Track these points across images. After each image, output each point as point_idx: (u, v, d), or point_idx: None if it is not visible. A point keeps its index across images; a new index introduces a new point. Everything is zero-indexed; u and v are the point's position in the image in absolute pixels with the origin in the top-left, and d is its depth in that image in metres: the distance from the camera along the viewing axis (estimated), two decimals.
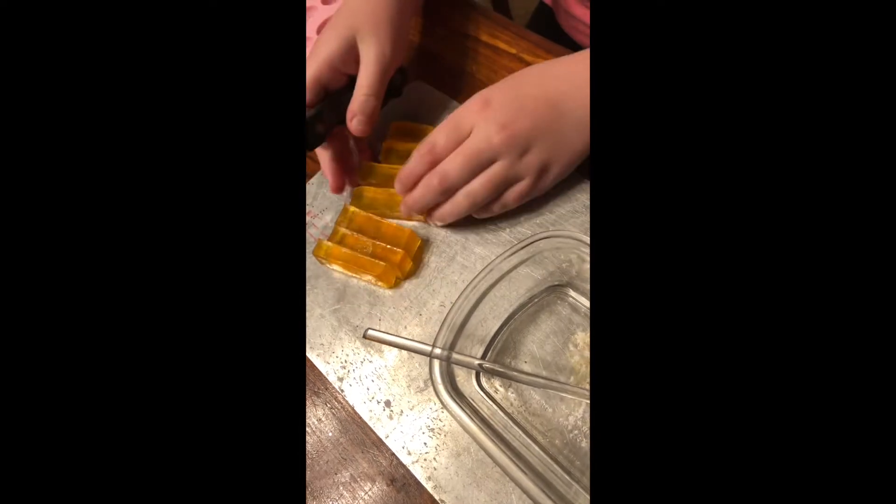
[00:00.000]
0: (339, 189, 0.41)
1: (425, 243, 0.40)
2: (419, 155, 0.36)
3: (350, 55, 0.38)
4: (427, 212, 0.38)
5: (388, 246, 0.38)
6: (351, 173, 0.42)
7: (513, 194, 0.36)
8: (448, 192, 0.36)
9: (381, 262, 0.38)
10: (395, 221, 0.40)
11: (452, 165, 0.35)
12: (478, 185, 0.35)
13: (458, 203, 0.36)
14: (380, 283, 0.39)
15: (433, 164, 0.36)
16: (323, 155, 0.41)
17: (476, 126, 0.35)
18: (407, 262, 0.38)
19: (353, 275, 0.40)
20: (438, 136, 0.36)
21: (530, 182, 0.36)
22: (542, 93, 0.35)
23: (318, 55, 0.37)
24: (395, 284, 0.39)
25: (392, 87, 0.41)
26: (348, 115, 0.38)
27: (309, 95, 0.38)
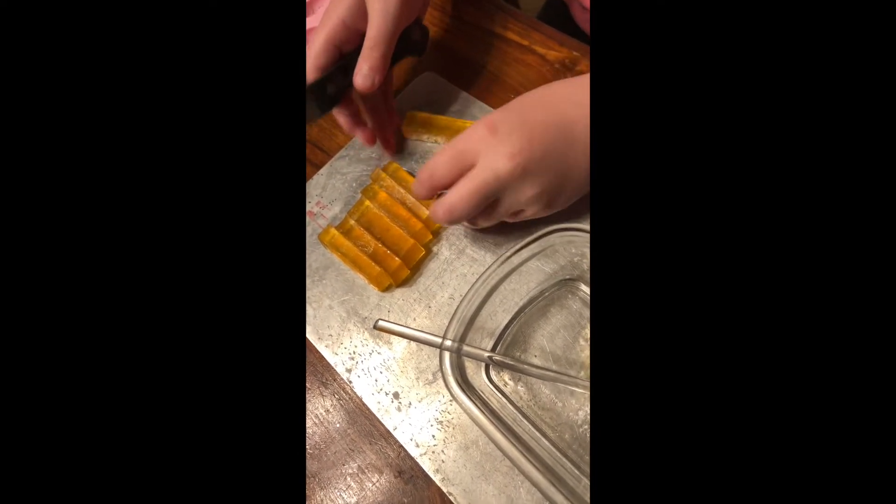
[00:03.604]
0: (371, 141, 0.42)
1: (435, 236, 0.40)
2: (419, 181, 0.35)
3: (361, 11, 0.37)
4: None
5: (388, 251, 0.38)
6: (382, 130, 0.42)
7: (517, 218, 0.36)
8: (454, 221, 0.35)
9: (377, 266, 0.38)
10: (404, 230, 0.39)
11: (457, 198, 0.33)
12: (482, 220, 0.36)
13: (462, 224, 0.38)
14: (371, 285, 0.39)
15: (433, 190, 0.35)
16: (341, 117, 0.41)
17: (482, 155, 0.32)
18: (403, 272, 0.38)
19: (350, 270, 0.40)
20: (439, 163, 0.34)
21: (535, 212, 0.35)
22: (552, 118, 0.33)
23: (332, 15, 0.37)
24: (387, 290, 0.39)
25: (410, 43, 0.41)
26: (355, 71, 0.37)
27: (323, 57, 0.37)
